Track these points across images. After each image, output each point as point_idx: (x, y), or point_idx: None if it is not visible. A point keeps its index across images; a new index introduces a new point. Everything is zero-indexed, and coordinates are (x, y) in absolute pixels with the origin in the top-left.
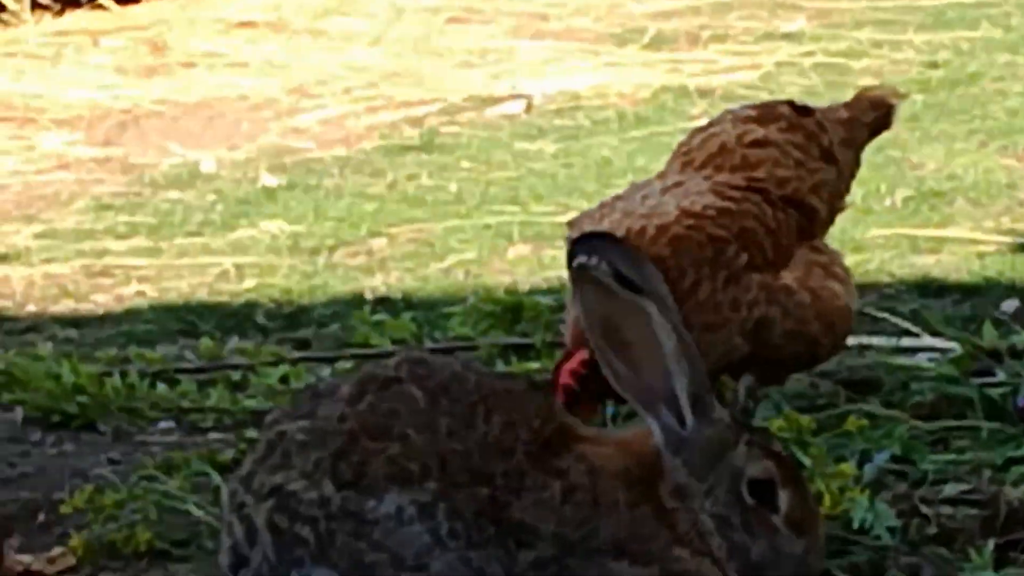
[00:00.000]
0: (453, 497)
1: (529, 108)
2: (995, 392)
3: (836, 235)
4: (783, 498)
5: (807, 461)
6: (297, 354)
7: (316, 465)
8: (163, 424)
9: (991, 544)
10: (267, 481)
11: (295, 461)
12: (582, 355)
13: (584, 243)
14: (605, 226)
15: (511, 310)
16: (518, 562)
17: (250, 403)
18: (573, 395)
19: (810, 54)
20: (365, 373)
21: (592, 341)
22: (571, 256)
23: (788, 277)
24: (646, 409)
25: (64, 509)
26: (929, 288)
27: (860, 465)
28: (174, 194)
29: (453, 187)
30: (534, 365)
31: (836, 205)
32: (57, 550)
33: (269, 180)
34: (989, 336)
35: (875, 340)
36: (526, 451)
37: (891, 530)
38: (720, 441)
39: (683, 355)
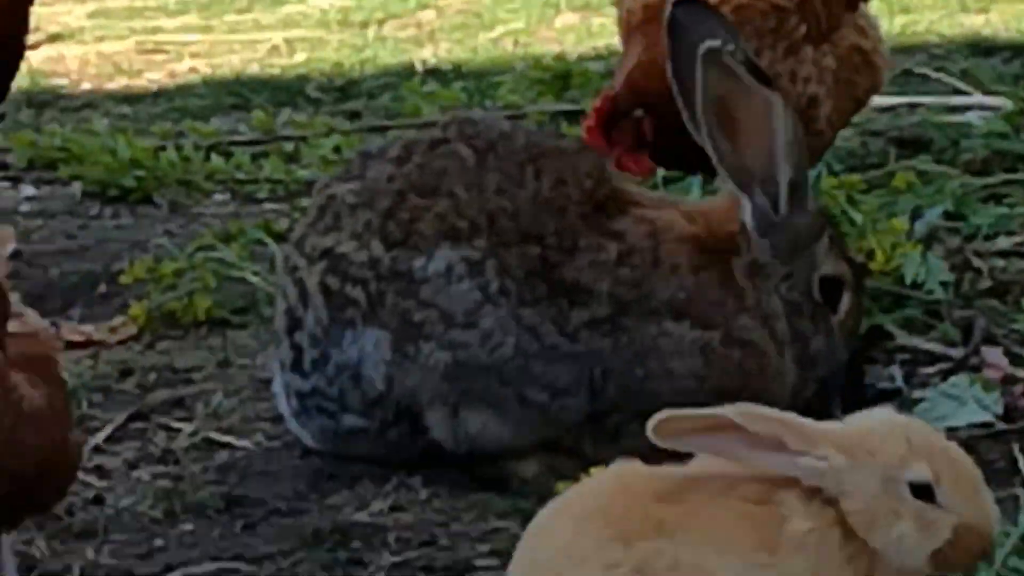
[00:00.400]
0: (503, 255)
1: None
2: None
3: None
4: (845, 302)
5: (858, 218)
6: (349, 125)
7: (366, 226)
8: (218, 196)
9: None
10: (318, 244)
11: (345, 223)
12: (607, 92)
13: (688, 15)
14: None
15: (560, 77)
16: (571, 321)
17: (303, 173)
18: (597, 133)
19: None
20: (414, 136)
21: (703, 118)
22: (672, 24)
23: (830, 60)
24: (742, 188)
25: (124, 279)
26: (979, 47)
27: (912, 221)
28: None
29: None
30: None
31: None
32: (118, 320)
33: None
34: None
35: (925, 99)
36: (579, 212)
37: (944, 284)
38: (810, 231)
39: (794, 146)
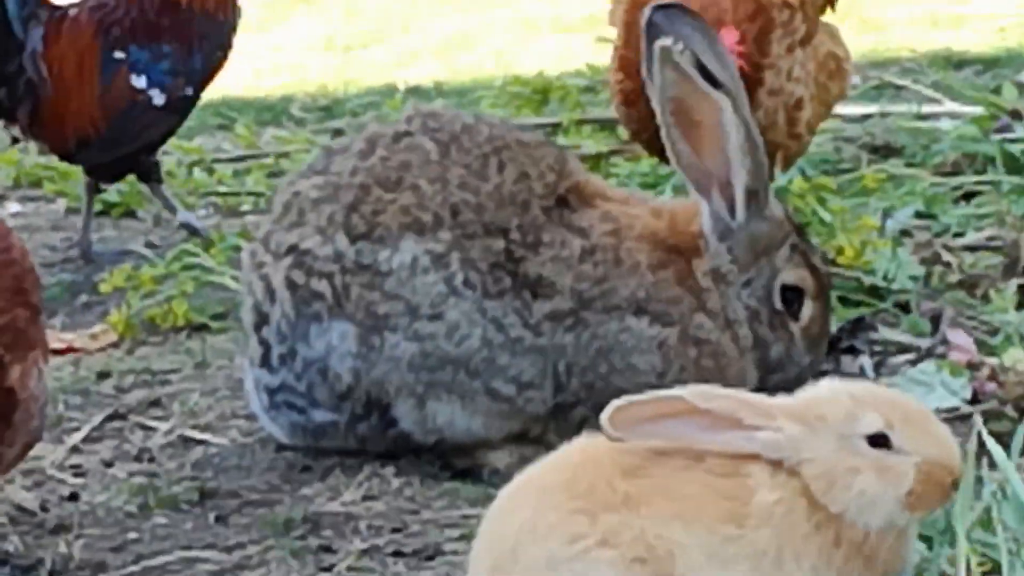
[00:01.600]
0: (467, 248)
1: None
2: (1016, 148)
3: (855, 13)
4: (807, 310)
5: (828, 217)
6: (331, 141)
7: (330, 220)
8: (202, 211)
9: (1012, 286)
10: (284, 240)
11: (309, 217)
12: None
13: (665, 18)
14: None
15: (540, 92)
16: (534, 312)
17: None
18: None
19: None
20: (377, 128)
21: (660, 118)
22: (650, 26)
23: (812, 64)
24: (699, 191)
25: (104, 288)
26: (950, 61)
27: (883, 221)
28: None
29: None
30: (562, 141)
31: None
32: (98, 327)
33: None
34: (1010, 97)
35: (897, 107)
36: (542, 206)
37: (914, 279)
38: (768, 238)
39: (748, 151)
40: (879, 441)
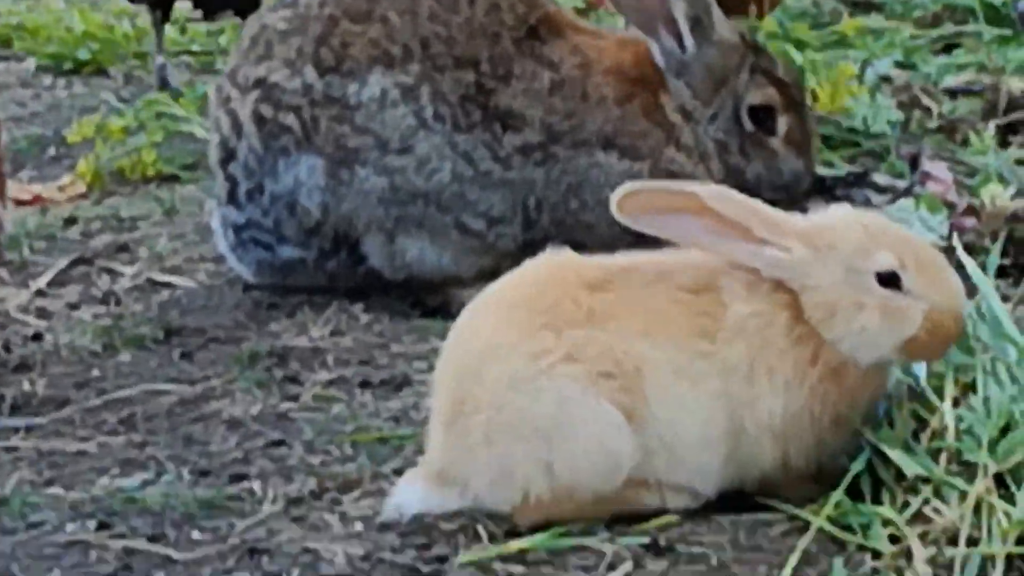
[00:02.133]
0: (437, 80)
1: None
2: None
3: None
4: (782, 123)
5: (806, 66)
6: None
7: (298, 52)
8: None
9: (991, 128)
10: (251, 73)
11: (277, 51)
12: None
13: None
14: None
15: None
16: (503, 145)
17: None
18: None
19: None
20: None
21: None
22: None
23: None
24: (645, 31)
25: (72, 139)
26: None
27: (862, 70)
28: None
29: None
30: None
31: None
32: (67, 178)
33: None
34: None
35: None
36: (513, 37)
37: (892, 124)
38: (723, 65)
39: None
40: (889, 280)
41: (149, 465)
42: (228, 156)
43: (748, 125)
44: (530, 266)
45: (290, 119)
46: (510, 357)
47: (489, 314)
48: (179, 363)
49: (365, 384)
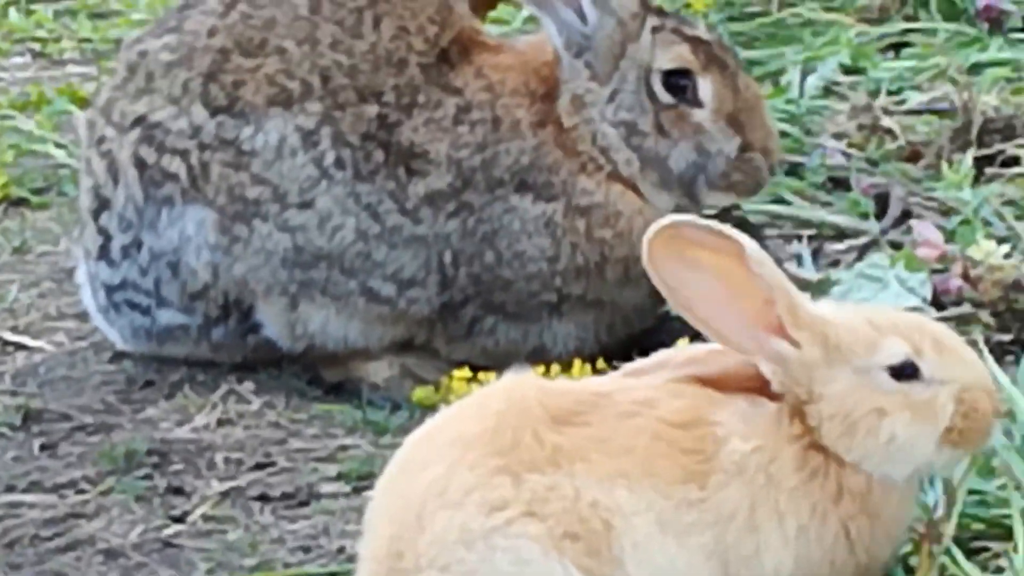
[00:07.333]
0: (338, 120)
1: None
2: None
3: None
4: (705, 88)
5: None
6: None
7: (184, 88)
8: (17, 58)
9: (969, 158)
10: (129, 110)
11: (159, 84)
12: None
13: None
14: None
15: None
16: (409, 195)
17: (114, 32)
18: None
19: None
20: None
21: None
22: None
23: None
24: (542, 9)
25: None
26: None
27: (803, 76)
28: None
29: None
30: None
31: None
32: None
33: None
34: None
35: None
36: (421, 63)
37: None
38: (622, 33)
39: None
40: (905, 372)
41: None
42: (101, 205)
43: (664, 97)
44: (487, 392)
45: (176, 164)
46: (460, 507)
47: (436, 450)
48: (40, 457)
49: (264, 498)
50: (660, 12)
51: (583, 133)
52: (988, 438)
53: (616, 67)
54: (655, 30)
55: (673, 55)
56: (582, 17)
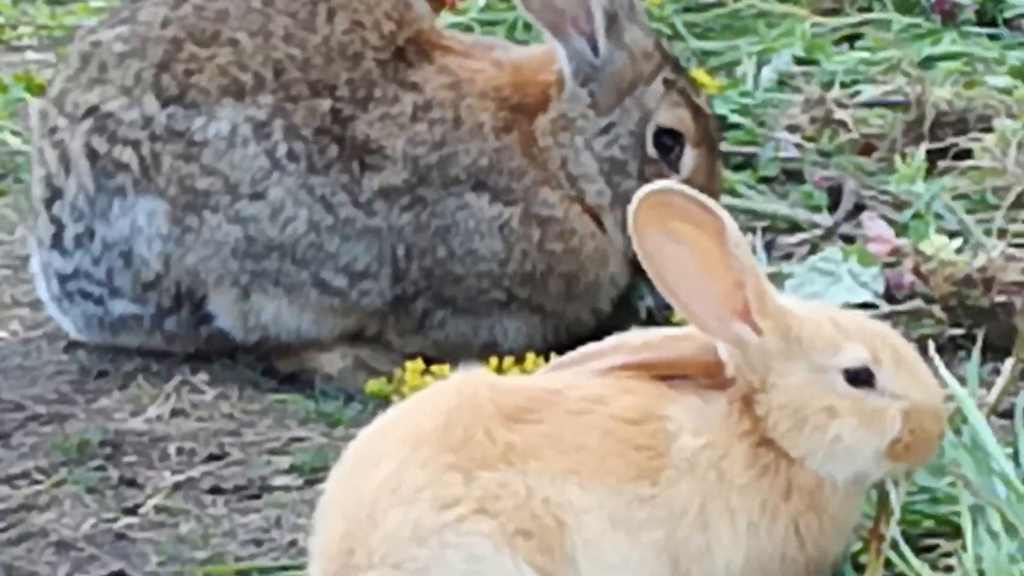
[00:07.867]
0: (291, 112)
1: None
2: None
3: None
4: (689, 159)
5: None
6: None
7: (136, 78)
8: None
9: (922, 151)
10: (81, 100)
11: (112, 75)
12: None
13: None
14: None
15: None
16: (363, 188)
17: (71, 19)
18: None
19: None
20: None
21: None
22: None
23: None
24: (554, 32)
25: None
26: None
27: (758, 68)
28: None
29: None
30: None
31: None
32: None
33: None
34: None
35: None
36: (376, 59)
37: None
38: (633, 71)
39: None
40: (861, 378)
41: None
42: (54, 195)
43: (651, 150)
44: (439, 389)
45: (127, 155)
46: (409, 506)
47: (387, 446)
48: None
49: (216, 491)
50: (676, 66)
51: (554, 155)
52: (930, 457)
53: (620, 103)
54: (667, 82)
55: (675, 116)
56: (594, 48)
